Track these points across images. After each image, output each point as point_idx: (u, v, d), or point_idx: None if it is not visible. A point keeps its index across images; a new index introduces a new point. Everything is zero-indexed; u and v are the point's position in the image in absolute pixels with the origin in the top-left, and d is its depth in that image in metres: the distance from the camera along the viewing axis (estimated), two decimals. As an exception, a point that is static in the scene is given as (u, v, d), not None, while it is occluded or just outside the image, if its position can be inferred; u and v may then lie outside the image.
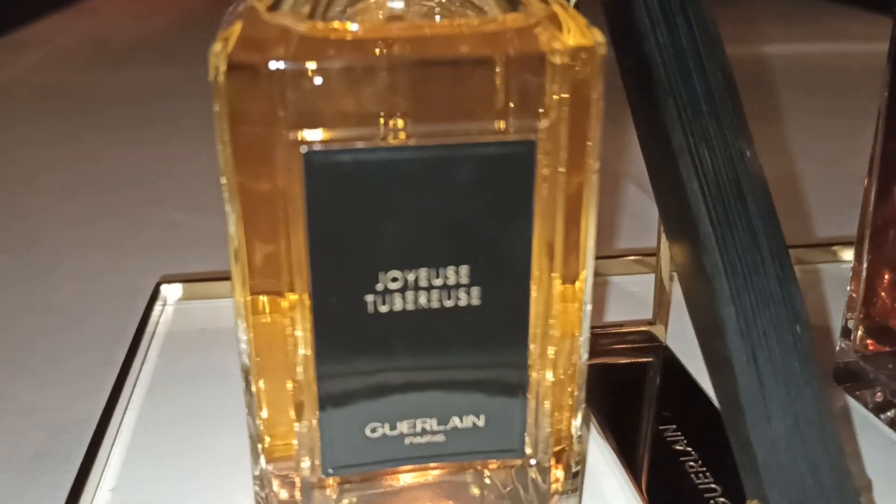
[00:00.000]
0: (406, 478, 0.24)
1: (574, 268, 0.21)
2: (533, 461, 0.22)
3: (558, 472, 0.23)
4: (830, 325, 0.34)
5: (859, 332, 0.30)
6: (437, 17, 0.20)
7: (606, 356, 0.33)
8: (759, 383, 0.22)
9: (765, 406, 0.21)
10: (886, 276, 0.29)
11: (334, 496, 0.23)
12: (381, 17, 0.20)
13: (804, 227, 0.45)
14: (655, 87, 0.25)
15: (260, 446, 0.22)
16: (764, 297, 0.22)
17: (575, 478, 0.24)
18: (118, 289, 0.39)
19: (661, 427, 0.28)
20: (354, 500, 0.24)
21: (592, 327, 0.33)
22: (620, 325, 0.34)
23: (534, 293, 0.20)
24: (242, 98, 0.18)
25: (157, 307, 0.37)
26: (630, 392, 0.31)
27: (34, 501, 0.26)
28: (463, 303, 0.20)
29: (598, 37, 0.19)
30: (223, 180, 0.19)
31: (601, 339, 0.33)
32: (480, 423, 0.21)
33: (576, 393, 0.22)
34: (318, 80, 0.18)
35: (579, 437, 0.23)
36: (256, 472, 0.22)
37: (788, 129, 0.62)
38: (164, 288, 0.37)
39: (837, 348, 0.31)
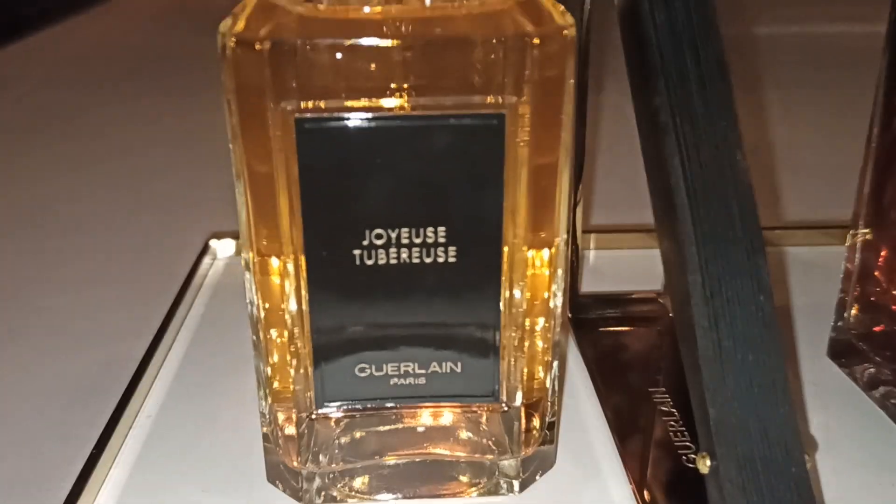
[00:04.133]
0: (405, 420, 0.26)
1: (547, 236, 0.23)
2: (505, 407, 0.24)
3: (535, 423, 0.26)
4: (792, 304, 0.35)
5: (854, 310, 0.31)
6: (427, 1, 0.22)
7: (612, 323, 0.34)
8: (718, 347, 0.23)
9: (721, 368, 0.23)
10: (882, 255, 0.29)
11: (338, 431, 0.26)
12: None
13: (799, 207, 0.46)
14: (649, 67, 0.26)
15: (266, 389, 0.24)
16: (731, 268, 0.24)
17: (550, 429, 0.26)
18: (180, 242, 0.43)
19: (650, 390, 0.30)
20: (358, 435, 0.26)
21: (601, 294, 0.36)
22: (630, 294, 0.36)
23: (505, 256, 0.22)
24: (245, 71, 0.20)
25: (208, 261, 0.40)
26: (629, 357, 0.32)
27: (93, 426, 0.29)
28: (441, 259, 0.22)
29: (568, 20, 0.21)
30: (231, 149, 0.22)
31: (609, 306, 0.35)
32: (458, 369, 0.24)
33: (549, 350, 0.24)
34: (310, 56, 0.20)
35: (553, 391, 0.25)
36: (264, 411, 0.25)
37: (779, 111, 0.61)
38: (214, 243, 0.41)
39: (832, 325, 0.32)
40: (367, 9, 0.21)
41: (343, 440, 0.26)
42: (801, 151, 0.54)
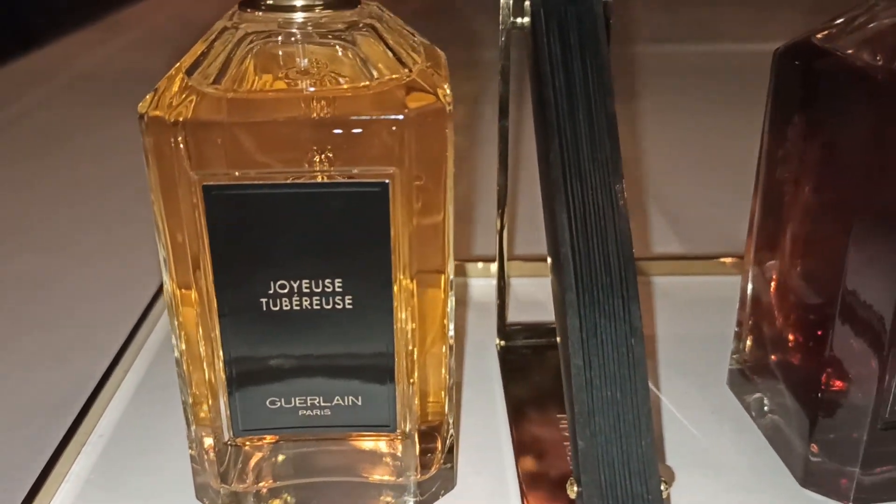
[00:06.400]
0: (331, 444, 0.29)
1: (436, 275, 0.26)
2: (399, 433, 0.27)
3: (437, 446, 0.28)
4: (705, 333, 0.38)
5: (748, 341, 0.33)
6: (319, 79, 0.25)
7: (537, 351, 0.37)
8: (590, 385, 0.26)
9: (591, 404, 0.26)
10: (772, 288, 0.32)
11: (267, 452, 0.29)
12: (281, 75, 0.25)
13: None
14: (547, 127, 0.29)
15: (191, 415, 0.27)
16: (607, 313, 0.27)
17: (449, 452, 0.29)
18: (146, 269, 0.46)
19: (559, 416, 0.33)
20: (284, 457, 0.29)
21: (528, 324, 0.38)
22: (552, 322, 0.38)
23: (396, 297, 0.25)
24: (160, 144, 0.23)
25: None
26: (546, 384, 0.35)
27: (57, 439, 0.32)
28: (339, 306, 0.25)
29: (448, 99, 0.24)
30: (153, 210, 0.25)
31: (535, 335, 0.38)
32: (359, 402, 0.26)
33: (445, 377, 0.27)
34: (216, 132, 0.23)
35: (450, 416, 0.28)
36: (190, 436, 0.28)
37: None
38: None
39: (730, 356, 0.34)
40: (298, 84, 0.24)
41: (270, 461, 0.29)
42: (701, 180, 0.56)
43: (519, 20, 0.33)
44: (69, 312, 0.42)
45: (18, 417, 0.34)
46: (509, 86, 0.34)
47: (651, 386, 0.36)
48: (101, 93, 0.79)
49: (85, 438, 0.33)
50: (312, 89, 0.24)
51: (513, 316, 0.40)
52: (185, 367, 0.27)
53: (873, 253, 0.26)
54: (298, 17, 0.24)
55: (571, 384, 0.26)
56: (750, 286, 0.33)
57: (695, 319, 0.40)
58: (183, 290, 0.25)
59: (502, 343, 0.37)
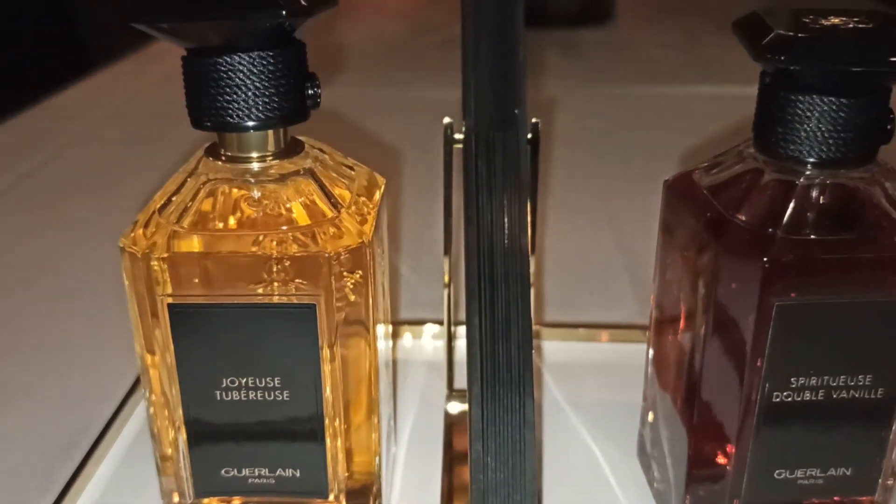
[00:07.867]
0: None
1: (363, 361, 0.31)
2: (333, 498, 0.33)
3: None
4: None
5: (650, 415, 0.38)
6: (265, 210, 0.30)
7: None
8: (486, 468, 0.31)
9: (485, 485, 0.31)
10: (663, 366, 0.37)
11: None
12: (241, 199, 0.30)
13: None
14: (469, 241, 0.34)
15: (162, 468, 0.33)
16: (505, 406, 0.32)
17: (379, 513, 0.34)
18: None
19: (485, 478, 0.38)
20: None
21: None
22: (496, 390, 0.43)
23: (325, 381, 0.31)
24: (135, 269, 0.29)
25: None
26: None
27: (64, 479, 0.38)
28: (279, 399, 0.31)
29: (367, 238, 0.30)
30: (131, 318, 0.30)
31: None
32: (298, 474, 0.32)
33: (377, 444, 0.33)
34: (177, 262, 0.29)
35: (380, 478, 0.33)
36: (161, 488, 0.34)
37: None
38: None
39: (638, 429, 0.39)
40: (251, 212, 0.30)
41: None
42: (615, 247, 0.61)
43: (458, 136, 0.38)
44: (76, 363, 0.48)
45: (30, 456, 0.40)
46: (451, 190, 0.40)
47: (596, 450, 0.41)
48: (135, 128, 0.86)
49: (90, 476, 0.39)
50: (260, 214, 0.30)
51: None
52: (155, 429, 0.32)
53: (723, 347, 0.31)
54: (254, 166, 0.30)
55: (471, 466, 0.31)
56: (650, 361, 0.38)
57: (632, 386, 0.44)
58: (155, 383, 0.31)
59: (450, 407, 0.43)
